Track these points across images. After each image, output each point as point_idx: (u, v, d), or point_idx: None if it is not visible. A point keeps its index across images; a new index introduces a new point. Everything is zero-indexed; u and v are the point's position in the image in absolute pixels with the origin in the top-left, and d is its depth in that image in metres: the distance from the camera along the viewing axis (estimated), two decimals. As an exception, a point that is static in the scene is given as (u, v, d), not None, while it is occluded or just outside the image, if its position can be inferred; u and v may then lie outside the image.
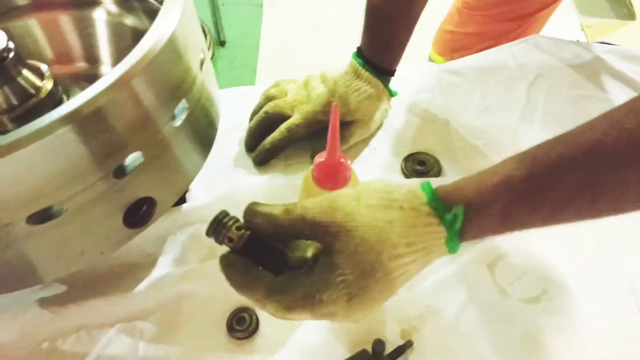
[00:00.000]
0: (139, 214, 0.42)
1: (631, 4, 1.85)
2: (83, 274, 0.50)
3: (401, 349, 0.44)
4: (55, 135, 0.32)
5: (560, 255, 0.50)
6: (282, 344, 0.46)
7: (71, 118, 0.32)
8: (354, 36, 0.63)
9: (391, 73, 0.62)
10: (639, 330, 0.45)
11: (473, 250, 0.51)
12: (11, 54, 0.43)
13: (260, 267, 0.34)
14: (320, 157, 0.43)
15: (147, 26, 0.40)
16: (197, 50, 0.44)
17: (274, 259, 0.35)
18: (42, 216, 0.35)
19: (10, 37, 0.43)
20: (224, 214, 0.35)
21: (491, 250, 0.51)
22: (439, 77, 0.71)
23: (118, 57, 0.54)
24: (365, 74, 0.60)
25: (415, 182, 0.35)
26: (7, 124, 0.45)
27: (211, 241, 0.35)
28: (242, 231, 0.34)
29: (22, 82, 0.44)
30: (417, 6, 0.59)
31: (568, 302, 0.47)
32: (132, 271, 0.51)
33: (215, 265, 0.34)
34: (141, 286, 0.50)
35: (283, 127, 0.60)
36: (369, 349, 0.44)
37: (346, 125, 0.60)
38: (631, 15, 1.85)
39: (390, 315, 0.46)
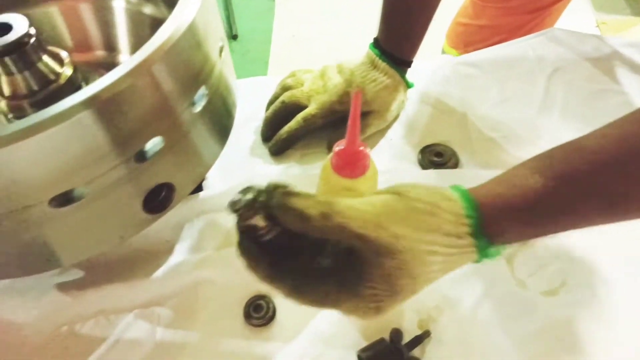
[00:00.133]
0: (158, 200, 0.42)
1: (647, 1, 1.84)
2: (102, 260, 0.50)
3: (419, 339, 0.44)
4: (76, 118, 0.32)
5: (586, 244, 0.49)
6: (299, 331, 0.46)
7: (91, 102, 0.32)
8: (366, 30, 0.62)
9: (408, 64, 0.62)
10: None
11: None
12: (32, 40, 0.43)
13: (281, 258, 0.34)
14: (339, 145, 0.43)
15: (166, 15, 0.40)
16: (216, 39, 0.44)
17: (296, 259, 0.34)
18: (64, 199, 0.35)
19: (31, 24, 0.43)
20: (257, 194, 0.32)
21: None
22: (456, 69, 0.70)
23: (136, 45, 0.54)
24: (382, 64, 0.60)
25: (457, 198, 0.34)
26: (27, 108, 0.45)
27: (228, 229, 0.34)
28: (270, 224, 0.33)
29: (42, 67, 0.45)
30: (435, -4, 0.58)
31: (590, 294, 0.46)
32: (150, 257, 0.51)
33: (231, 252, 0.34)
34: (159, 272, 0.50)
35: (299, 117, 0.60)
36: (387, 338, 0.44)
37: (363, 116, 0.60)
38: (647, 12, 1.83)
39: (408, 306, 0.46)
